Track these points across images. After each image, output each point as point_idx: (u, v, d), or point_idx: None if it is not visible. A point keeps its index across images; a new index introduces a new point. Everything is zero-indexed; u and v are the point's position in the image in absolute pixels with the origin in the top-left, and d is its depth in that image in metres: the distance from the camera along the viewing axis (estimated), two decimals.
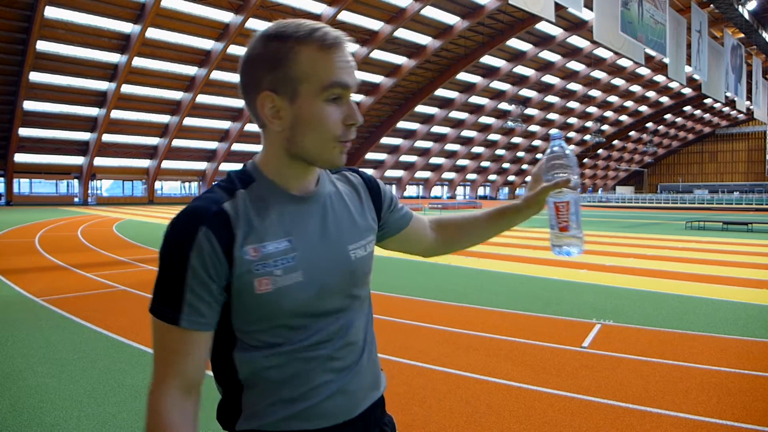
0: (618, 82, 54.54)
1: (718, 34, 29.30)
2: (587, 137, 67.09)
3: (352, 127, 0.87)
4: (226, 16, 31.60)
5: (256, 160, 0.93)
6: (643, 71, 51.13)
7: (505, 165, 68.53)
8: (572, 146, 71.25)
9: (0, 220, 20.66)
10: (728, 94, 24.54)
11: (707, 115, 74.57)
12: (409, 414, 3.08)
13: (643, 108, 65.56)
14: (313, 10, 32.01)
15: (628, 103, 62.19)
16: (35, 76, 31.65)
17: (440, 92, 47.18)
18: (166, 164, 43.59)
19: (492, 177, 69.80)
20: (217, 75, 36.00)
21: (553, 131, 1.13)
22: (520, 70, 46.86)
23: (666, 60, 17.80)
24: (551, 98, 54.80)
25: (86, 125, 37.48)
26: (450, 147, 58.50)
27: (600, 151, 75.37)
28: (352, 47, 0.87)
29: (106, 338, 4.60)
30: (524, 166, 71.21)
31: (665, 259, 10.03)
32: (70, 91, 34.12)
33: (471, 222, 1.22)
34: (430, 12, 34.81)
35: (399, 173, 58.90)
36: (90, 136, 38.26)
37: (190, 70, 35.65)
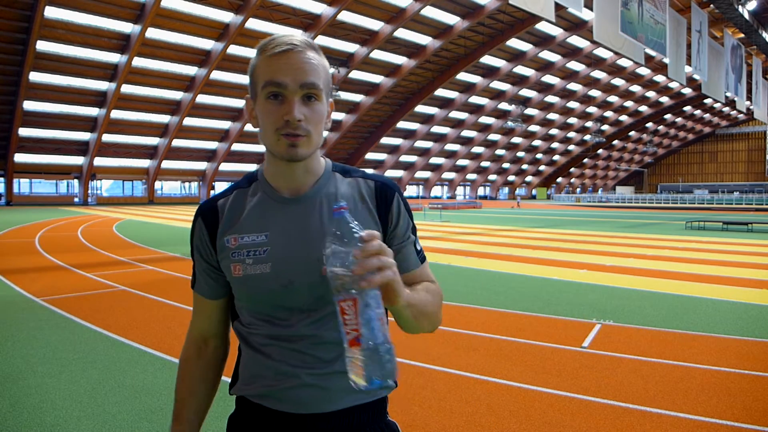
0: (618, 82, 54.55)
1: (718, 34, 29.32)
2: (587, 137, 67.12)
3: (288, 122, 0.91)
4: (226, 16, 31.61)
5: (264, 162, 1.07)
6: (643, 71, 51.14)
7: (505, 165, 68.55)
8: (572, 146, 71.39)
9: (0, 220, 20.67)
10: (728, 94, 24.54)
11: (707, 115, 74.59)
12: (409, 414, 3.08)
13: (643, 108, 65.57)
14: (313, 10, 32.01)
15: (628, 103, 62.20)
16: (35, 76, 31.66)
17: (440, 92, 47.18)
18: (166, 164, 43.60)
19: (492, 177, 69.80)
20: (217, 75, 36.01)
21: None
22: (520, 70, 46.86)
23: (666, 60, 17.80)
24: (551, 98, 54.81)
25: (86, 125, 37.49)
26: (450, 147, 58.52)
27: (600, 151, 75.38)
28: (304, 53, 0.93)
29: (106, 338, 4.60)
30: (524, 166, 71.23)
31: (665, 259, 10.03)
32: (70, 91, 34.13)
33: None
34: (430, 12, 34.81)
35: (399, 173, 58.93)
36: (90, 136, 38.27)
37: (190, 70, 35.65)
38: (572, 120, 63.51)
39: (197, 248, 1.03)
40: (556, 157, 73.28)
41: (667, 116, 69.71)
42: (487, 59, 43.35)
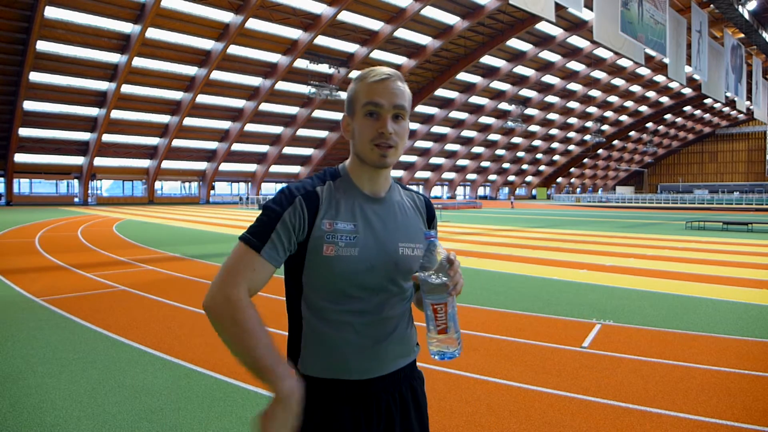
0: (618, 82, 54.55)
1: (718, 34, 29.32)
2: (587, 137, 67.10)
3: (383, 134, 1.17)
4: (226, 16, 31.60)
5: (345, 163, 1.28)
6: (643, 71, 51.14)
7: (505, 165, 68.53)
8: (572, 146, 71.39)
9: (0, 220, 20.67)
10: (728, 94, 24.53)
11: (707, 115, 74.58)
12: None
13: (643, 108, 65.57)
14: (313, 10, 32.00)
15: (628, 103, 62.20)
16: (35, 76, 31.66)
17: (440, 92, 47.17)
18: (166, 164, 43.60)
19: (492, 177, 69.80)
20: (217, 75, 36.00)
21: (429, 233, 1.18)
22: (520, 70, 46.86)
23: (666, 60, 17.79)
24: (551, 98, 54.81)
25: (86, 125, 37.48)
26: (450, 147, 58.51)
27: (600, 151, 75.37)
28: (396, 82, 1.20)
29: (105, 338, 4.60)
30: (524, 166, 71.22)
31: (665, 259, 10.02)
32: (70, 91, 34.13)
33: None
34: (430, 12, 34.80)
35: (399, 173, 58.91)
36: (90, 136, 38.27)
37: (190, 70, 35.65)
38: (572, 120, 63.51)
39: (290, 222, 1.14)
40: (556, 157, 73.28)
41: (667, 116, 69.70)
42: (487, 59, 43.35)
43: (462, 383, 3.57)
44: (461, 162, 62.66)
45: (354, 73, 43.80)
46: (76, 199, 41.47)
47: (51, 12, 27.88)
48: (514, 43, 41.55)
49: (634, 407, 3.16)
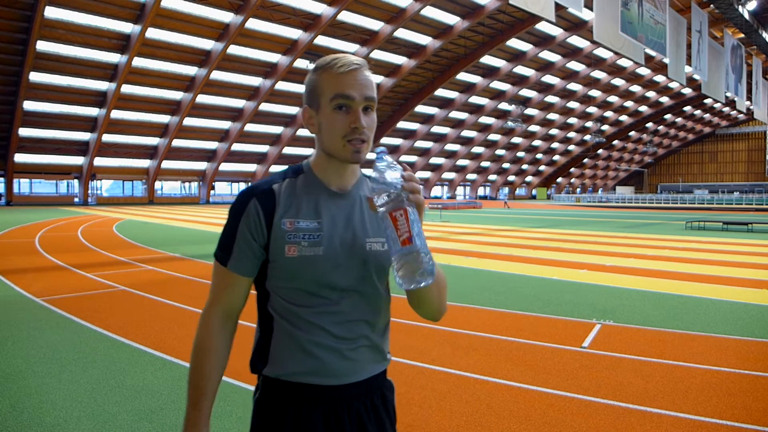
0: (618, 82, 54.55)
1: (718, 34, 29.34)
2: (587, 137, 67.10)
3: (356, 129, 1.09)
4: (226, 16, 31.60)
5: (309, 159, 1.21)
6: (643, 71, 51.13)
7: (505, 165, 68.52)
8: (572, 146, 71.41)
9: (0, 220, 20.67)
10: (728, 94, 24.54)
11: (707, 115, 74.58)
12: (409, 414, 3.08)
13: (643, 108, 65.56)
14: (313, 10, 32.00)
15: (628, 103, 62.19)
16: (35, 76, 31.65)
17: (440, 92, 47.17)
18: (166, 164, 43.59)
19: (492, 177, 69.79)
20: (217, 75, 36.00)
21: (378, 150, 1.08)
22: (520, 70, 46.86)
23: (666, 60, 17.80)
24: (551, 98, 54.80)
25: (86, 125, 37.48)
26: (450, 147, 58.50)
27: (600, 151, 75.36)
28: (364, 71, 1.12)
29: (105, 338, 4.60)
30: (524, 166, 71.21)
31: (665, 259, 10.02)
32: (70, 91, 34.12)
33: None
34: (430, 12, 34.80)
35: None
36: (90, 136, 38.26)
37: (190, 70, 35.64)
38: (572, 120, 63.50)
39: (247, 227, 1.10)
40: (556, 157, 73.27)
41: (667, 116, 69.70)
42: (487, 59, 43.34)
43: (462, 383, 3.57)
44: (461, 162, 62.65)
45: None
46: (76, 199, 41.46)
47: (51, 12, 27.87)
48: (514, 43, 41.55)
49: (634, 407, 3.16)
